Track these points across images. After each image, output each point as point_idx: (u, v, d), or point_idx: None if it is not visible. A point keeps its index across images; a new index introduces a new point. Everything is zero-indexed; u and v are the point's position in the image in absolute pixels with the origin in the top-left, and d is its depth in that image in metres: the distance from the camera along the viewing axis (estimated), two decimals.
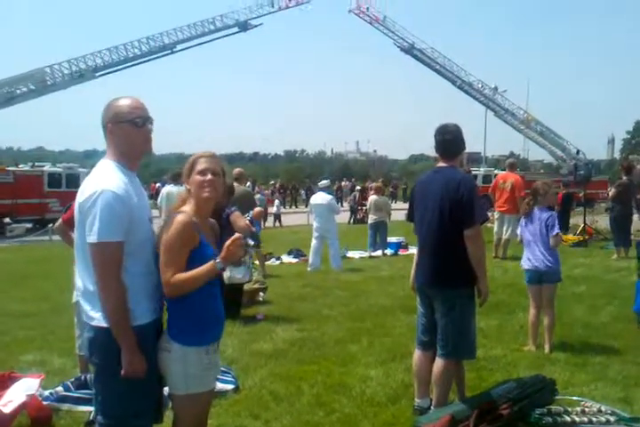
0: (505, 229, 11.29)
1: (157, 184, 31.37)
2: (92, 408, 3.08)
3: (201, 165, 2.68)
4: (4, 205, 20.14)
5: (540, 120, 33.11)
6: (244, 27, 30.75)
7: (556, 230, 5.45)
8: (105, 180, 2.47)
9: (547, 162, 55.42)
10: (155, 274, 2.56)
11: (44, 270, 11.12)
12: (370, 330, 6.30)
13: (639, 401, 4.23)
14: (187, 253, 2.56)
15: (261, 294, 7.85)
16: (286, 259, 12.71)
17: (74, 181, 20.31)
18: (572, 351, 5.41)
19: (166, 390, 2.69)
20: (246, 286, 7.21)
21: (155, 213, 3.36)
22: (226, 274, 6.27)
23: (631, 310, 6.34)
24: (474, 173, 25.37)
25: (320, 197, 10.74)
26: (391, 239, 13.49)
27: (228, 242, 2.54)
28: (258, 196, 17.24)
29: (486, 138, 45.40)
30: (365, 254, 13.04)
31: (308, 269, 10.72)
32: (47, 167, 22.90)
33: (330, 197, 10.82)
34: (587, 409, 3.85)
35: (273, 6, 31.65)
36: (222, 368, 4.11)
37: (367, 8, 32.24)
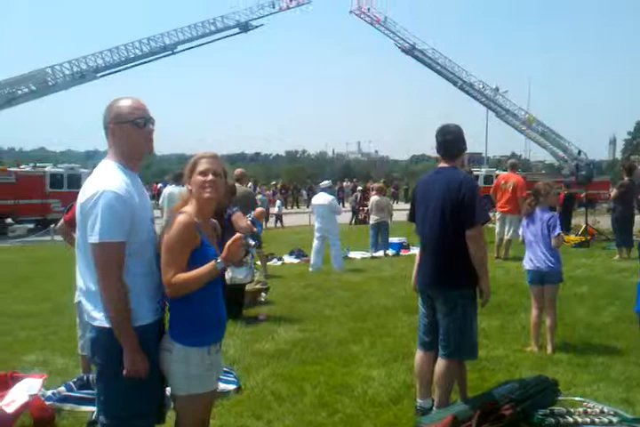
0: (507, 229, 11.28)
1: (159, 185, 31.42)
2: (94, 408, 3.09)
3: (202, 166, 2.68)
4: (6, 205, 20.18)
5: (542, 121, 33.13)
6: (244, 27, 30.78)
7: (558, 231, 5.44)
8: (106, 180, 2.48)
9: (548, 162, 55.54)
10: (156, 274, 2.56)
11: (46, 271, 11.14)
12: (372, 330, 6.30)
13: None
14: (188, 254, 2.56)
15: (263, 294, 7.85)
16: (288, 259, 12.70)
17: (75, 182, 20.36)
18: (574, 352, 5.40)
19: (168, 390, 2.69)
20: (248, 287, 7.20)
21: (156, 213, 3.36)
22: (228, 274, 6.27)
23: (633, 311, 6.31)
24: (475, 173, 25.34)
25: (321, 198, 10.74)
26: (393, 240, 13.48)
27: (228, 242, 2.55)
28: (259, 196, 17.27)
29: (487, 138, 45.29)
30: (367, 255, 13.03)
31: (310, 269, 10.72)
32: (49, 168, 22.94)
33: (331, 197, 10.81)
34: (589, 410, 3.84)
35: (274, 7, 31.69)
36: (224, 368, 4.11)
37: (368, 9, 32.28)
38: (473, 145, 48.27)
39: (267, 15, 31.62)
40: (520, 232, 5.98)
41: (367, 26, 32.63)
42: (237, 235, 2.59)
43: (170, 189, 10.12)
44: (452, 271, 3.82)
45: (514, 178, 11.52)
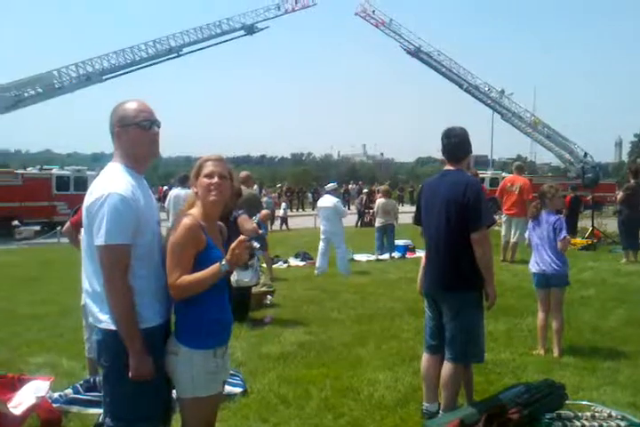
0: (513, 232, 11.25)
1: (165, 187, 31.50)
2: (101, 411, 3.09)
3: (208, 169, 2.69)
4: (13, 207, 20.26)
5: (548, 123, 32.99)
6: (250, 30, 30.80)
7: (564, 234, 5.43)
8: (112, 183, 2.49)
9: (554, 165, 55.36)
10: (162, 277, 2.56)
11: (53, 273, 11.17)
12: (377, 333, 6.29)
13: None
14: (193, 256, 2.57)
15: (269, 297, 7.84)
16: (293, 262, 12.69)
17: (82, 184, 20.42)
18: (581, 356, 5.37)
19: (174, 393, 2.70)
20: (254, 290, 7.21)
21: (162, 215, 3.37)
22: (233, 277, 6.28)
23: None
24: (481, 176, 25.29)
25: (327, 200, 10.73)
26: (398, 242, 13.46)
27: (233, 244, 2.55)
28: (265, 199, 17.28)
29: (493, 141, 45.36)
30: (373, 257, 13.01)
31: (316, 272, 10.71)
32: (55, 170, 23.04)
33: (336, 199, 10.79)
34: (597, 414, 3.82)
35: (279, 9, 31.70)
36: (231, 371, 4.11)
37: (373, 11, 32.24)
38: (478, 148, 48.35)
39: (272, 17, 31.67)
40: (526, 235, 5.96)
41: (372, 28, 32.61)
42: (242, 237, 2.59)
43: (176, 192, 10.14)
44: (457, 274, 3.81)
45: (520, 180, 11.50)
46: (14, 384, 4.02)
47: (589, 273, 9.86)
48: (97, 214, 2.43)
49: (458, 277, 3.81)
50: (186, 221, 2.59)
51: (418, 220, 4.17)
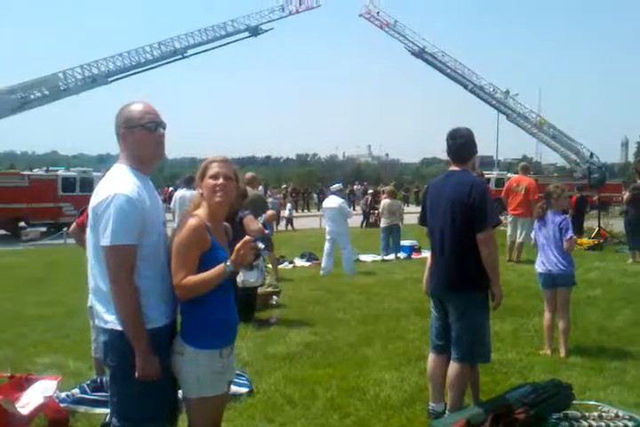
0: (519, 232, 11.22)
1: (170, 188, 31.56)
2: (108, 411, 3.10)
3: (213, 170, 2.70)
4: (19, 209, 20.32)
5: (553, 123, 32.89)
6: (254, 31, 30.84)
7: (570, 234, 5.42)
8: (118, 184, 2.50)
9: (560, 165, 55.18)
10: (168, 277, 2.57)
11: (59, 274, 11.20)
12: (383, 334, 6.29)
13: None
14: (198, 256, 2.57)
15: (274, 297, 7.85)
16: (299, 262, 12.71)
17: (88, 185, 20.45)
18: (588, 356, 5.36)
19: (181, 393, 2.70)
20: (259, 290, 7.22)
21: (168, 216, 3.39)
22: (239, 278, 6.29)
23: None
24: (486, 176, 25.24)
25: (332, 201, 10.73)
26: (404, 243, 13.45)
27: (238, 245, 2.55)
28: (270, 199, 17.30)
29: (498, 141, 44.96)
30: (378, 258, 13.01)
31: (321, 272, 10.71)
32: (61, 171, 23.10)
33: (341, 200, 10.79)
34: (604, 414, 3.81)
35: (283, 11, 31.74)
36: (237, 371, 4.11)
37: (378, 12, 32.23)
38: (484, 148, 48.19)
39: (276, 19, 31.70)
40: (532, 235, 5.95)
41: (377, 29, 32.60)
42: (247, 238, 2.59)
43: (181, 193, 10.18)
44: (463, 275, 3.81)
45: (525, 181, 11.47)
46: (22, 384, 4.03)
47: (596, 273, 9.82)
48: (103, 215, 2.44)
49: (464, 278, 3.81)
50: (191, 221, 2.60)
51: (423, 220, 4.17)
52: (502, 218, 6.72)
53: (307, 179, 56.49)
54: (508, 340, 5.89)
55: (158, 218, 2.65)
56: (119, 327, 2.46)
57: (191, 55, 29.63)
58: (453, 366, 3.85)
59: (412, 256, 13.12)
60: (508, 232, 11.51)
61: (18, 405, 3.74)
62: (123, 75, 27.98)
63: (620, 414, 3.82)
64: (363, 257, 13.01)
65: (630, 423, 3.69)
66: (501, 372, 4.93)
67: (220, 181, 2.67)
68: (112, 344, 2.52)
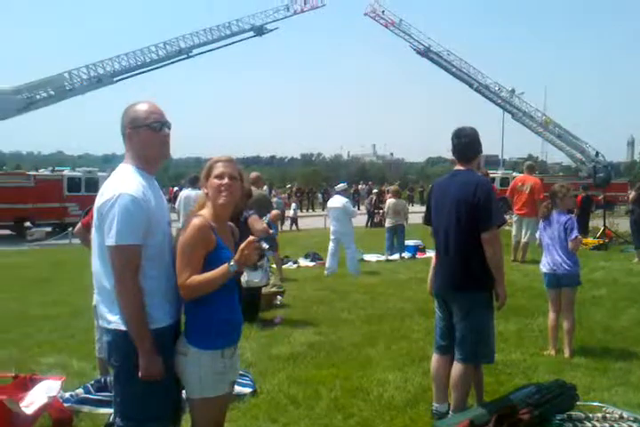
0: (524, 232, 11.19)
1: (175, 188, 31.62)
2: (111, 410, 3.11)
3: (218, 170, 2.70)
4: (25, 209, 20.39)
5: (559, 122, 32.80)
6: (259, 31, 30.85)
7: (575, 234, 5.40)
8: (123, 183, 2.50)
9: (565, 164, 54.98)
10: (173, 277, 2.57)
11: (64, 274, 11.23)
12: (387, 334, 6.28)
13: None
14: (202, 256, 2.57)
15: (279, 297, 7.85)
16: (303, 262, 12.71)
17: (93, 185, 20.50)
18: (592, 356, 5.34)
19: (184, 393, 2.71)
20: (264, 290, 7.22)
21: (173, 216, 3.39)
22: (243, 278, 6.29)
23: None
24: (491, 175, 25.19)
25: (336, 201, 10.72)
26: (408, 242, 13.42)
27: (242, 245, 2.55)
28: (275, 199, 17.30)
29: (504, 141, 44.85)
30: (383, 258, 13.00)
31: (325, 272, 10.71)
32: (67, 172, 23.16)
33: (345, 200, 10.77)
34: (608, 415, 3.79)
35: (288, 10, 31.72)
36: (240, 372, 4.12)
37: (383, 11, 32.20)
38: (489, 147, 48.11)
39: (281, 19, 31.69)
40: (537, 235, 5.93)
41: (382, 28, 32.56)
42: (251, 238, 2.59)
43: (186, 193, 10.20)
44: (468, 275, 3.80)
45: (531, 180, 11.43)
46: (26, 384, 4.05)
47: (601, 273, 9.79)
48: (108, 215, 2.44)
49: (468, 278, 3.80)
50: (195, 221, 2.60)
51: (428, 220, 4.16)
52: (507, 217, 6.69)
53: (311, 178, 56.54)
54: (513, 340, 5.88)
55: (163, 218, 2.65)
56: (123, 327, 2.46)
57: (196, 55, 29.71)
58: (457, 367, 3.84)
59: (417, 256, 13.11)
60: (513, 232, 11.47)
61: (22, 404, 3.75)
62: (128, 75, 28.08)
63: (625, 415, 3.80)
64: (367, 257, 13.01)
65: (635, 425, 3.67)
66: (505, 372, 4.92)
67: (225, 180, 2.67)
68: (116, 344, 2.52)
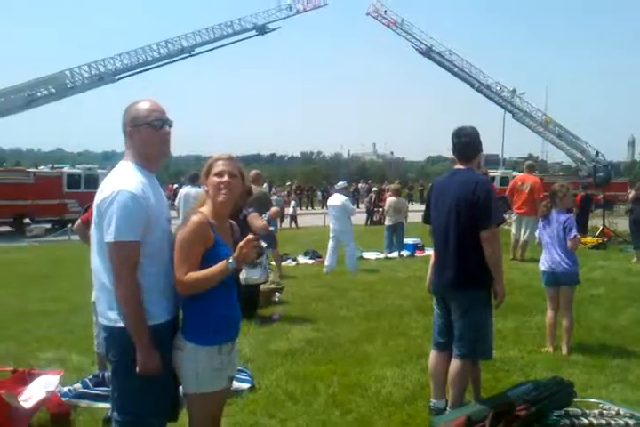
0: (523, 231, 11.21)
1: (175, 185, 31.63)
2: (109, 405, 3.12)
3: (218, 168, 2.71)
4: (24, 205, 20.42)
5: (559, 122, 32.80)
6: (261, 30, 30.84)
7: (574, 233, 5.41)
8: (123, 180, 2.51)
9: (565, 164, 54.98)
10: (171, 274, 2.57)
11: (63, 270, 11.22)
12: (386, 331, 6.29)
13: None
14: (200, 253, 2.58)
15: (277, 294, 7.87)
16: (302, 260, 12.71)
17: (93, 183, 20.53)
18: (590, 354, 5.36)
19: (182, 388, 2.72)
20: (262, 287, 7.23)
21: (172, 214, 3.39)
22: (242, 274, 6.30)
23: None
24: (491, 175, 25.18)
25: (336, 199, 10.73)
26: (407, 241, 13.45)
27: (241, 243, 2.56)
28: (275, 197, 17.30)
29: (504, 140, 44.84)
30: (382, 256, 13.01)
31: (324, 270, 10.71)
32: (66, 169, 23.19)
33: (344, 198, 10.78)
34: (605, 412, 3.81)
35: (291, 10, 31.70)
36: (239, 367, 4.12)
37: (385, 11, 32.18)
38: (489, 146, 48.00)
39: (284, 18, 31.67)
40: (536, 234, 5.94)
41: (384, 28, 32.53)
42: (250, 236, 2.59)
43: (186, 190, 10.21)
44: (466, 273, 3.81)
45: (530, 179, 11.44)
46: (24, 378, 4.06)
47: (600, 272, 9.80)
48: (107, 212, 2.44)
49: (467, 276, 3.80)
50: (194, 218, 2.61)
51: (427, 218, 4.17)
52: (506, 217, 6.70)
53: (311, 177, 56.53)
54: (510, 337, 5.89)
55: (162, 215, 2.65)
56: (121, 323, 2.47)
57: (198, 53, 29.70)
58: (455, 364, 3.85)
59: (416, 254, 13.14)
60: (513, 231, 11.49)
61: (20, 399, 3.76)
62: (129, 73, 28.09)
63: (622, 411, 3.81)
64: (366, 255, 13.01)
65: (631, 421, 3.68)
66: (503, 369, 4.93)
67: (225, 178, 2.68)
68: (113, 340, 2.53)
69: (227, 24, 29.79)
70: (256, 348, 5.66)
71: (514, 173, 27.41)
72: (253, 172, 9.21)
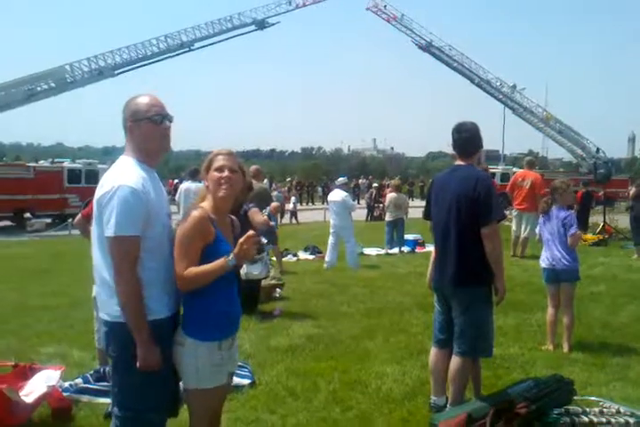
0: (523, 227, 11.19)
1: (175, 180, 31.62)
2: (110, 400, 3.12)
3: (218, 163, 2.70)
4: (25, 200, 20.41)
5: (560, 118, 32.75)
6: (261, 25, 30.78)
7: (574, 229, 5.40)
8: (123, 175, 2.50)
9: (566, 160, 54.98)
10: (172, 269, 2.57)
11: (64, 265, 11.23)
12: (386, 327, 6.30)
13: None
14: (200, 248, 2.57)
15: (278, 290, 7.87)
16: (303, 255, 12.71)
17: (93, 177, 20.54)
18: (590, 351, 5.36)
19: (182, 384, 2.72)
20: (263, 283, 7.23)
21: (173, 209, 3.39)
22: (243, 270, 6.29)
23: None
24: (492, 171, 25.16)
25: (336, 195, 10.74)
26: (408, 237, 13.44)
27: (241, 239, 2.55)
28: (275, 193, 17.30)
29: (504, 136, 44.82)
30: (382, 251, 13.01)
31: (325, 265, 10.72)
32: (67, 163, 23.18)
33: (345, 194, 10.78)
34: (605, 410, 3.80)
35: (290, 4, 31.61)
36: (239, 363, 4.13)
37: (385, 6, 32.10)
38: (490, 142, 47.95)
39: (283, 12, 31.60)
40: (537, 230, 5.94)
41: (384, 23, 32.46)
42: (251, 232, 2.59)
43: (186, 185, 10.20)
44: (467, 269, 3.80)
45: (531, 176, 11.42)
46: (26, 373, 4.07)
47: (600, 269, 9.80)
48: (107, 206, 2.44)
49: (467, 272, 3.80)
50: (195, 213, 2.60)
51: (428, 214, 4.16)
52: (507, 213, 6.71)
53: (311, 172, 56.45)
54: (511, 335, 5.89)
55: (162, 210, 2.65)
56: (121, 318, 2.47)
57: (198, 48, 29.65)
58: (455, 361, 3.86)
59: (416, 250, 13.14)
60: (513, 227, 11.47)
61: (21, 393, 3.77)
62: (129, 67, 28.06)
63: (622, 410, 3.80)
64: (367, 251, 13.02)
65: (632, 419, 3.67)
66: (503, 366, 4.93)
67: (226, 173, 2.67)
68: (114, 335, 2.53)
69: (226, 19, 29.74)
70: (256, 344, 5.66)
71: (514, 169, 27.40)
72: (253, 167, 9.19)
